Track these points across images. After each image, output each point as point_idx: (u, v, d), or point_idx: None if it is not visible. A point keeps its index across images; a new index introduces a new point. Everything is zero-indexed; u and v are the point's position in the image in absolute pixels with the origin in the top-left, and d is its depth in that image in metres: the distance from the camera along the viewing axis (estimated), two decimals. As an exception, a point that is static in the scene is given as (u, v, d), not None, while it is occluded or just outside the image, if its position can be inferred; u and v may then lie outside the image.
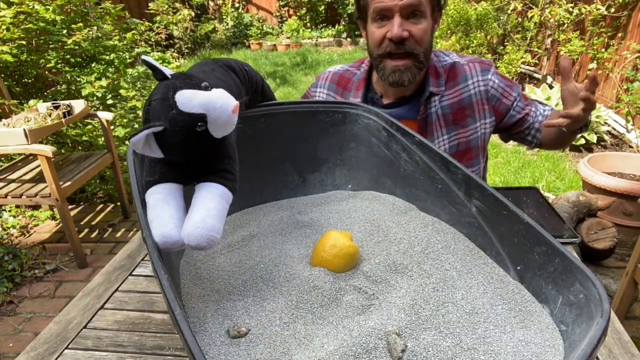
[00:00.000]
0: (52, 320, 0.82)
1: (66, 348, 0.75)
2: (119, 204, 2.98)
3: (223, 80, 0.72)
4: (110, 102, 3.16)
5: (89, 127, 3.12)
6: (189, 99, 0.56)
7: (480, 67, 1.16)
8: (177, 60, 6.46)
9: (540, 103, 1.21)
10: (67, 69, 3.18)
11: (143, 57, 0.60)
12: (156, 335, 0.77)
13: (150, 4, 6.24)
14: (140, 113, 3.13)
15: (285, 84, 5.68)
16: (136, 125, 3.13)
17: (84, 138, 3.05)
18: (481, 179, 1.28)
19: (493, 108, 1.17)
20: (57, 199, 2.19)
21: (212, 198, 0.59)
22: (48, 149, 2.06)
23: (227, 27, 7.67)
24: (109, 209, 3.04)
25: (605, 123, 3.57)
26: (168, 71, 0.60)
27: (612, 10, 3.69)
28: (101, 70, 3.20)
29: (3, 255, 2.39)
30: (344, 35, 7.70)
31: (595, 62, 3.81)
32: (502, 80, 1.16)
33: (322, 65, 6.41)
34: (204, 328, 0.62)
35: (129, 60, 3.46)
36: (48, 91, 3.25)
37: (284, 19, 8.25)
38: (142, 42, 4.42)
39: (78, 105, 2.53)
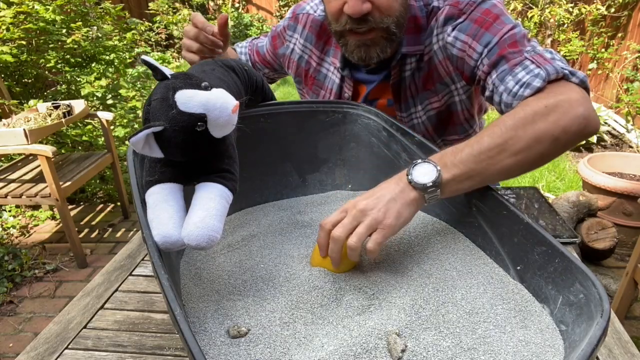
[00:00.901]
0: (52, 320, 0.82)
1: (66, 348, 0.75)
2: (119, 204, 2.98)
3: (223, 80, 0.72)
4: (110, 102, 3.16)
5: (89, 127, 3.12)
6: (189, 99, 0.56)
7: (447, 13, 0.86)
8: (177, 60, 6.46)
9: (535, 63, 0.74)
10: (67, 69, 3.18)
11: (143, 57, 0.60)
12: (156, 335, 0.77)
13: (150, 4, 6.24)
14: (140, 113, 3.13)
15: (285, 84, 5.68)
16: (136, 125, 3.13)
17: (84, 138, 3.05)
18: None
19: (458, 70, 0.90)
20: (57, 199, 2.19)
21: (212, 198, 0.59)
22: (48, 149, 2.06)
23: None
24: (109, 209, 3.04)
25: (605, 123, 3.57)
26: (168, 71, 0.60)
27: (612, 10, 3.69)
28: (101, 70, 3.20)
29: (3, 255, 2.39)
30: (344, 35, 7.69)
31: (595, 62, 3.81)
32: (472, 27, 0.83)
33: (322, 65, 6.39)
34: (204, 328, 0.62)
35: (129, 60, 3.47)
36: (48, 91, 3.25)
37: (284, 19, 8.25)
38: (142, 42, 4.42)
39: (78, 105, 2.53)
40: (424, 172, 0.65)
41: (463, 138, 1.00)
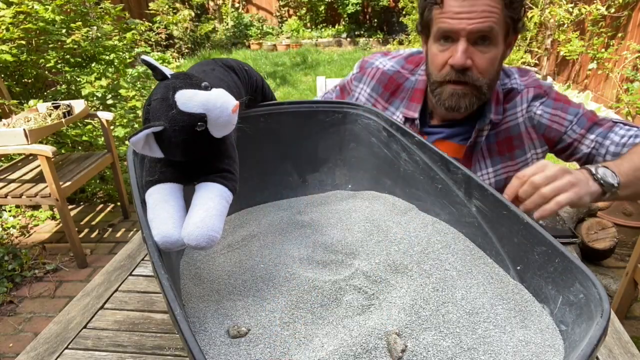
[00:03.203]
0: (52, 320, 0.82)
1: (66, 348, 0.75)
2: (119, 204, 2.98)
3: (223, 80, 0.72)
4: (110, 102, 3.16)
5: (89, 127, 3.12)
6: (189, 99, 0.56)
7: (533, 92, 1.03)
8: (177, 60, 6.46)
9: (627, 125, 0.98)
10: (67, 69, 3.18)
11: (143, 57, 0.60)
12: (156, 335, 0.77)
13: (150, 4, 6.24)
14: (140, 113, 3.12)
15: (285, 84, 5.68)
16: (136, 125, 3.13)
17: (84, 138, 3.05)
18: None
19: (544, 137, 1.03)
20: (57, 199, 2.19)
21: (212, 198, 0.59)
22: (48, 149, 2.06)
23: (227, 27, 7.67)
24: (109, 209, 3.04)
25: (605, 123, 3.56)
26: (168, 71, 0.60)
27: (612, 10, 3.69)
28: (101, 70, 3.20)
29: (3, 255, 2.38)
30: (344, 35, 7.70)
31: (595, 62, 3.81)
32: (553, 103, 1.02)
33: (322, 65, 6.41)
34: (204, 328, 0.62)
35: (129, 60, 3.46)
36: (48, 91, 3.25)
37: (284, 19, 8.24)
38: (142, 42, 4.42)
39: (78, 105, 2.53)
40: (608, 174, 0.78)
41: None
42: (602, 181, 0.77)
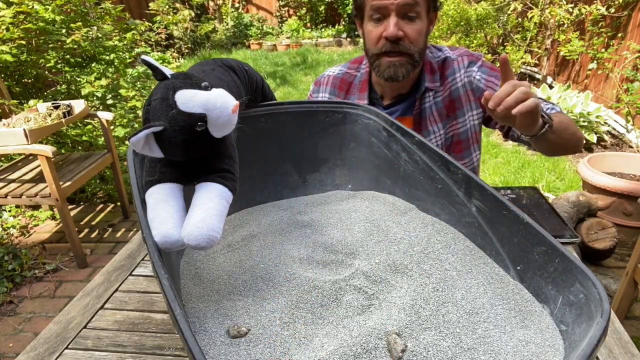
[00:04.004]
0: (52, 320, 0.82)
1: (66, 348, 0.75)
2: (119, 204, 2.98)
3: (223, 80, 0.72)
4: (110, 102, 3.16)
5: (89, 127, 3.12)
6: (189, 99, 0.56)
7: (468, 60, 1.17)
8: (177, 60, 6.46)
9: (545, 101, 1.11)
10: (67, 69, 3.18)
11: (143, 57, 0.60)
12: (156, 335, 0.77)
13: (150, 4, 6.25)
14: (140, 113, 3.12)
15: (285, 84, 5.68)
16: (136, 125, 3.13)
17: (84, 138, 3.05)
18: (475, 171, 1.28)
19: (478, 100, 1.16)
20: (57, 199, 2.19)
21: (212, 198, 0.59)
22: (48, 149, 2.06)
23: (227, 27, 7.67)
24: (109, 209, 3.04)
25: (605, 123, 3.56)
26: (168, 71, 0.60)
27: (612, 10, 3.69)
28: (101, 70, 3.20)
29: (3, 255, 2.39)
30: (344, 35, 7.70)
31: (595, 62, 3.81)
32: (489, 71, 1.15)
33: (322, 65, 6.41)
34: (204, 328, 0.62)
35: (129, 60, 3.46)
36: (48, 91, 3.25)
37: (284, 19, 8.24)
38: (142, 42, 4.42)
39: (78, 105, 2.53)
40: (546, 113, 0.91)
41: (466, 162, 1.23)
42: (543, 112, 0.89)
